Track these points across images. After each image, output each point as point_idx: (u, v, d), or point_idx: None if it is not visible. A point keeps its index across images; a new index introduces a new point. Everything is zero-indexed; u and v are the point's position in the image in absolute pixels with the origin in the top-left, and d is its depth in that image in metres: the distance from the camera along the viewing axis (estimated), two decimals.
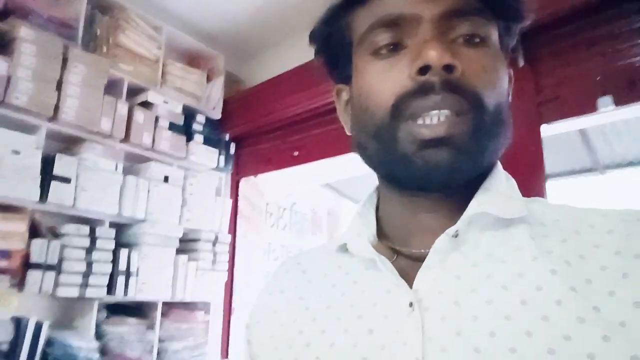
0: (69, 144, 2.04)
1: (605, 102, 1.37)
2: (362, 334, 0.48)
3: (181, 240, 2.28)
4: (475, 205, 0.48)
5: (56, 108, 1.91)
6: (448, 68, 0.45)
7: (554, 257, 0.44)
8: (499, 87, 0.48)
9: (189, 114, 2.44)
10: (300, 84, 2.34)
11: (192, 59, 2.64)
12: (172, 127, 2.32)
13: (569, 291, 0.41)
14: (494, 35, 0.50)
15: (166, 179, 2.26)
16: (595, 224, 0.46)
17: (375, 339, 0.47)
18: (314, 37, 0.59)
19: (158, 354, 2.18)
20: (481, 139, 0.46)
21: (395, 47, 0.49)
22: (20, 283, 1.77)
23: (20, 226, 1.80)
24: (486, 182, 0.50)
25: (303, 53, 2.51)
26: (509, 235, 0.47)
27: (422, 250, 0.49)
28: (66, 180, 1.90)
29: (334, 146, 2.33)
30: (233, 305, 2.65)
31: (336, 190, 3.52)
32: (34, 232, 1.85)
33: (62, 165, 1.90)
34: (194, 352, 2.33)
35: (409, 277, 0.48)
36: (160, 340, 2.21)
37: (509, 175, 0.54)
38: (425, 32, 0.47)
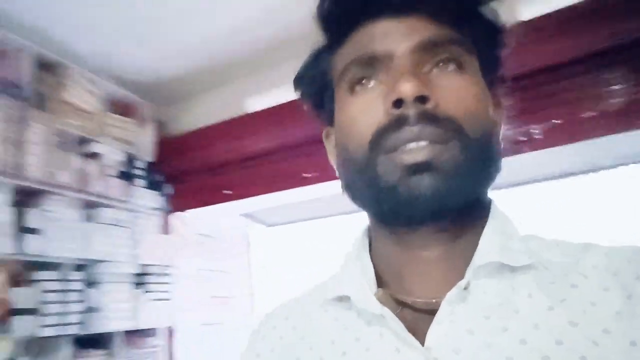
0: (32, 197, 2.22)
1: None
2: None
3: (136, 275, 2.54)
4: (484, 253, 0.46)
5: (19, 166, 2.10)
6: (421, 99, 0.45)
7: (567, 305, 0.42)
8: (480, 116, 0.47)
9: (130, 160, 2.70)
10: (229, 133, 2.76)
11: (124, 108, 2.89)
12: (120, 175, 2.58)
13: (592, 346, 0.39)
14: (472, 61, 0.50)
15: (117, 222, 2.50)
16: (598, 265, 0.44)
17: None
18: (298, 82, 0.59)
19: None
20: (467, 165, 0.45)
21: (371, 83, 0.50)
22: (6, 328, 1.94)
23: (1, 277, 1.97)
24: (489, 224, 0.49)
25: (224, 101, 2.94)
26: (517, 282, 0.45)
27: (431, 301, 0.47)
28: (34, 231, 2.10)
29: (261, 185, 2.77)
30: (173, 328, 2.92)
31: (249, 216, 3.91)
32: (13, 280, 2.02)
33: (32, 218, 2.09)
34: None
35: (416, 332, 0.46)
36: None
37: (504, 212, 0.52)
38: (398, 67, 0.48)
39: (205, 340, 3.12)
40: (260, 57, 2.69)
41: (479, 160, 0.47)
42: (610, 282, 0.42)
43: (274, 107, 2.67)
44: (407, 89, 0.44)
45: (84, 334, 2.27)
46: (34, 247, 2.07)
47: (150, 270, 2.63)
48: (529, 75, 1.92)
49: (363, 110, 0.49)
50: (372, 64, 0.50)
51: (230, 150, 2.83)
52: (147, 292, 2.59)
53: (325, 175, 2.50)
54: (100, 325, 2.30)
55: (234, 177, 2.91)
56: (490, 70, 0.54)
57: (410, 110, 0.45)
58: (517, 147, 2.04)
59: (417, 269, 0.50)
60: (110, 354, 2.40)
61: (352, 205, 0.54)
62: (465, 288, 0.46)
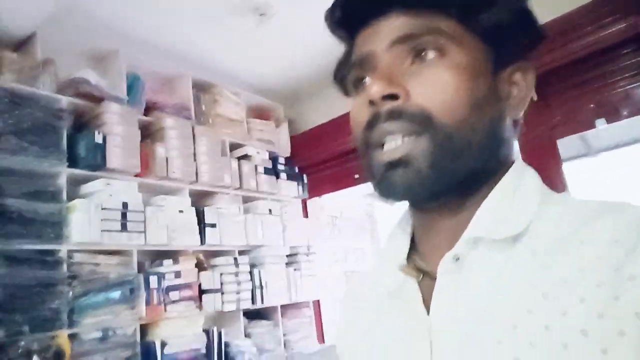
0: (205, 197, 2.71)
1: (601, 122, 2.11)
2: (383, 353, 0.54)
3: (287, 256, 2.97)
4: (471, 227, 0.48)
5: (196, 174, 2.58)
6: (390, 97, 0.48)
7: (548, 274, 0.43)
8: (458, 101, 0.47)
9: (273, 158, 3.12)
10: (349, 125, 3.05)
11: (261, 112, 3.31)
12: (266, 171, 3.00)
13: (560, 315, 0.40)
14: (458, 46, 0.49)
15: (270, 211, 2.94)
16: (602, 232, 0.43)
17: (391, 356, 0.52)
18: (335, 79, 0.64)
19: (284, 344, 2.87)
20: (441, 156, 0.47)
21: (366, 82, 0.54)
22: (199, 305, 2.44)
23: (190, 265, 2.47)
24: (492, 194, 0.50)
25: (341, 98, 3.23)
26: (506, 253, 0.47)
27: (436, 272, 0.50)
28: (213, 225, 2.58)
29: None
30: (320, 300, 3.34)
31: (372, 194, 4.24)
32: (199, 266, 2.52)
33: (209, 215, 2.57)
34: (306, 341, 3.03)
35: (430, 297, 0.49)
36: (284, 334, 2.90)
37: (523, 175, 0.52)
38: (378, 66, 0.51)
39: None
40: None
41: (457, 149, 0.47)
42: (605, 250, 0.41)
43: None
44: (374, 90, 0.48)
45: (253, 308, 2.74)
46: (212, 238, 2.55)
47: (298, 251, 3.05)
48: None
49: (357, 109, 0.53)
50: (362, 65, 0.53)
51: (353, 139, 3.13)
52: (296, 270, 3.01)
53: None
54: (265, 300, 2.76)
55: (359, 163, 3.23)
56: (499, 45, 0.51)
57: (381, 109, 0.48)
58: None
59: (430, 240, 0.54)
60: (274, 324, 2.86)
61: None
62: (458, 259, 0.48)
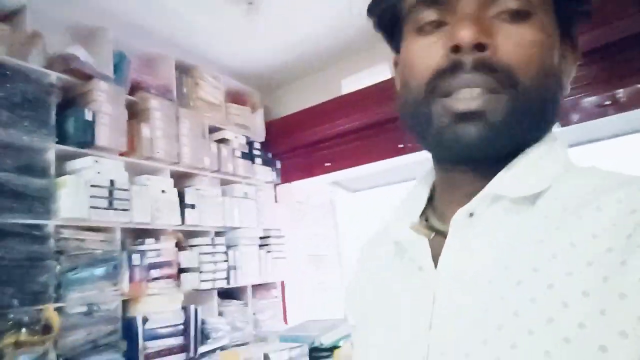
0: (185, 178, 2.76)
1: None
2: (391, 312, 0.54)
3: (260, 238, 3.08)
4: (491, 184, 0.47)
5: (178, 155, 2.63)
6: (479, 47, 0.45)
7: (559, 237, 0.42)
8: (539, 65, 0.47)
9: (249, 143, 3.20)
10: (326, 114, 3.19)
11: (238, 97, 3.37)
12: (243, 155, 3.08)
13: (565, 276, 0.40)
14: (543, 9, 0.48)
15: (246, 194, 3.03)
16: (621, 200, 0.42)
17: (398, 313, 0.52)
18: (371, 10, 0.59)
19: (254, 323, 2.99)
20: (516, 117, 0.46)
21: (438, 24, 0.49)
22: (178, 283, 2.52)
23: (171, 244, 2.53)
24: (514, 160, 0.49)
25: (321, 85, 3.36)
26: (527, 216, 0.46)
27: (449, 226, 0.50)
28: (193, 206, 2.64)
29: (358, 157, 3.20)
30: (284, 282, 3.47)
31: (337, 184, 4.39)
32: (178, 246, 2.59)
33: (189, 196, 2.63)
34: (274, 320, 3.16)
35: (439, 255, 0.50)
36: (253, 314, 3.01)
37: (553, 144, 0.51)
38: (463, 10, 0.47)
39: (305, 293, 3.65)
40: (354, 42, 3.06)
41: (530, 113, 0.47)
42: (620, 218, 0.40)
43: (367, 88, 3.05)
44: (465, 35, 0.45)
45: (226, 287, 2.84)
46: (192, 219, 2.62)
47: (270, 234, 3.16)
48: (615, 44, 2.21)
49: (424, 51, 0.49)
50: (439, 3, 0.49)
51: (327, 128, 3.26)
52: (268, 252, 3.13)
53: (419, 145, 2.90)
54: (238, 280, 2.86)
55: (331, 152, 3.36)
56: (570, 14, 0.51)
57: (467, 57, 0.45)
58: (603, 109, 2.37)
59: (454, 198, 0.52)
60: (245, 304, 2.97)
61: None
62: (472, 215, 0.48)
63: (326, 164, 3.37)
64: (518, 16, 0.47)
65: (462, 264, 0.47)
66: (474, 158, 0.49)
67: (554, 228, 0.44)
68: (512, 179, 0.47)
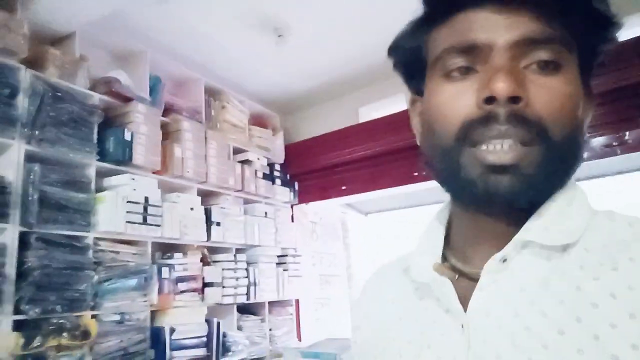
0: (211, 197, 2.90)
1: None
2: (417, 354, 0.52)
3: (277, 256, 3.20)
4: (522, 232, 0.48)
5: (206, 174, 2.77)
6: (514, 99, 0.45)
7: (595, 287, 0.43)
8: (569, 117, 0.47)
9: (270, 164, 3.34)
10: (343, 140, 3.34)
11: (260, 120, 3.52)
12: (264, 176, 3.22)
13: (609, 328, 0.41)
14: (571, 61, 0.49)
15: (265, 214, 3.16)
16: None
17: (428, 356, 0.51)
18: (392, 51, 0.59)
19: (270, 338, 3.09)
20: (547, 169, 0.46)
21: (467, 71, 0.49)
22: (202, 297, 2.63)
23: (197, 259, 2.66)
24: (543, 206, 0.49)
25: (339, 111, 3.51)
26: (555, 260, 0.47)
27: (479, 270, 0.50)
28: (218, 224, 2.77)
29: (372, 182, 3.33)
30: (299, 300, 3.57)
31: (350, 205, 4.52)
32: (203, 261, 2.71)
33: (215, 214, 2.76)
34: (289, 336, 3.26)
35: (467, 299, 0.49)
36: (270, 329, 3.11)
37: (577, 191, 0.52)
38: (496, 61, 0.47)
39: (318, 310, 3.75)
40: (372, 73, 3.22)
41: (559, 164, 0.47)
42: None
43: (384, 117, 3.21)
44: (501, 88, 0.44)
45: (246, 303, 2.95)
46: (216, 235, 2.75)
47: (287, 252, 3.28)
48: (625, 89, 2.37)
49: (455, 99, 0.49)
50: (470, 52, 0.49)
51: (344, 154, 3.41)
52: (285, 270, 3.24)
53: None
54: (257, 296, 2.97)
55: (347, 176, 3.50)
56: (590, 64, 0.52)
57: (501, 109, 0.45)
58: (611, 150, 2.51)
59: (480, 243, 0.52)
60: (262, 319, 3.08)
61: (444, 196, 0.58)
62: (505, 261, 0.48)
63: (342, 187, 3.50)
64: (549, 68, 0.47)
65: (496, 309, 0.47)
66: (505, 208, 0.49)
67: (589, 277, 0.44)
68: (544, 227, 0.48)
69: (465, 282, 0.51)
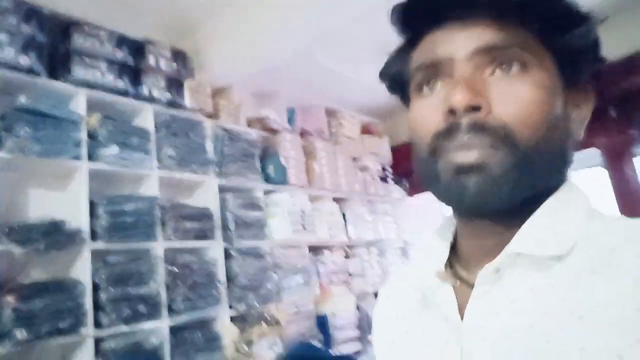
0: (343, 202, 3.40)
1: None
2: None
3: (399, 248, 3.68)
4: (515, 242, 0.48)
5: (338, 184, 3.27)
6: (473, 108, 0.46)
7: (585, 296, 0.43)
8: (539, 119, 0.47)
9: (382, 167, 3.81)
10: None
11: (367, 128, 3.99)
12: (380, 178, 3.70)
13: (595, 337, 0.40)
14: (539, 62, 0.49)
15: (386, 211, 3.64)
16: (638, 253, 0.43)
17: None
18: (382, 77, 0.62)
19: None
20: (518, 172, 0.46)
21: (436, 87, 0.51)
22: (351, 287, 3.14)
23: (341, 254, 3.17)
24: (540, 209, 0.49)
25: None
26: (550, 273, 0.46)
27: (474, 281, 0.50)
28: (354, 225, 3.27)
29: None
30: None
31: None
32: (346, 256, 3.21)
33: (349, 216, 3.26)
34: None
35: (465, 304, 0.50)
36: None
37: (573, 193, 0.51)
38: (458, 73, 0.49)
39: None
40: None
41: (534, 167, 0.47)
42: None
43: None
44: (458, 100, 0.46)
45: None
46: (353, 234, 3.25)
47: (407, 243, 3.75)
48: None
49: (425, 114, 0.51)
50: (435, 68, 0.50)
51: None
52: (405, 259, 3.71)
53: None
54: None
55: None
56: (572, 66, 0.51)
57: (462, 120, 0.46)
58: None
59: (475, 249, 0.53)
60: None
61: None
62: (498, 271, 0.48)
63: None
64: (512, 73, 0.48)
65: (489, 319, 0.47)
66: (482, 211, 0.49)
67: (579, 288, 0.44)
68: (536, 237, 0.47)
69: (466, 289, 0.52)
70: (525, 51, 0.48)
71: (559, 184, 0.51)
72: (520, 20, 0.48)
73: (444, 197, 0.51)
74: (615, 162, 3.03)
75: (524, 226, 0.48)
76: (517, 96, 0.47)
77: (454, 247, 0.57)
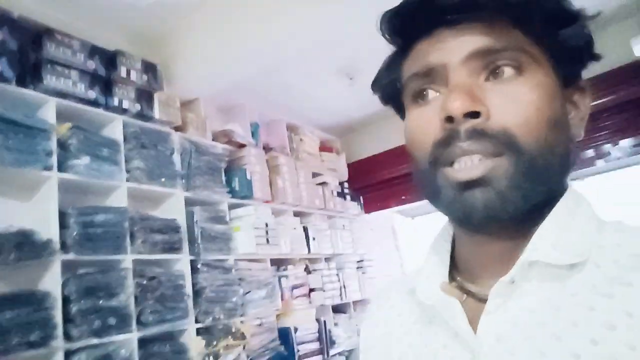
0: (305, 216, 3.47)
1: None
2: None
3: (357, 262, 3.77)
4: (529, 251, 0.46)
5: (300, 199, 3.34)
6: (472, 114, 0.45)
7: (611, 306, 0.41)
8: (539, 121, 0.45)
9: (340, 183, 3.92)
10: (398, 157, 3.90)
11: (325, 145, 4.09)
12: (338, 194, 3.80)
13: (628, 350, 0.39)
14: (536, 64, 0.47)
15: (343, 226, 3.73)
16: None
17: None
18: (374, 87, 0.60)
19: (358, 332, 3.65)
20: (523, 179, 0.44)
21: (430, 95, 0.50)
22: (310, 300, 3.20)
23: (302, 268, 3.23)
24: (550, 217, 0.47)
25: (389, 131, 4.07)
26: (564, 280, 0.45)
27: (487, 292, 0.48)
28: (314, 238, 3.34)
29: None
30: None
31: (400, 211, 5.07)
32: (306, 270, 3.27)
33: (311, 230, 3.34)
34: None
35: (476, 319, 0.48)
36: (356, 325, 3.67)
37: (579, 200, 0.50)
38: (453, 79, 0.47)
39: None
40: None
41: (534, 172, 0.45)
42: None
43: None
44: (456, 106, 0.44)
45: (339, 303, 3.51)
46: (313, 248, 3.32)
47: (364, 257, 3.85)
48: None
49: (422, 123, 0.50)
50: (429, 75, 0.49)
51: (400, 169, 3.96)
52: (363, 273, 3.81)
53: None
54: (347, 297, 3.54)
55: (403, 188, 4.06)
56: (568, 65, 0.50)
57: (461, 126, 0.45)
58: None
59: (482, 261, 0.51)
60: (350, 316, 3.64)
61: None
62: (513, 282, 0.46)
63: (402, 197, 4.07)
64: (509, 75, 0.47)
65: (507, 332, 0.45)
66: (491, 227, 0.48)
67: (603, 296, 0.42)
68: (551, 244, 0.46)
69: (474, 303, 0.50)
70: (520, 53, 0.47)
71: (563, 188, 0.50)
72: (513, 21, 0.47)
73: (448, 212, 0.50)
74: None
75: (536, 234, 0.47)
76: (516, 99, 0.46)
77: (452, 258, 0.56)
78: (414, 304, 0.56)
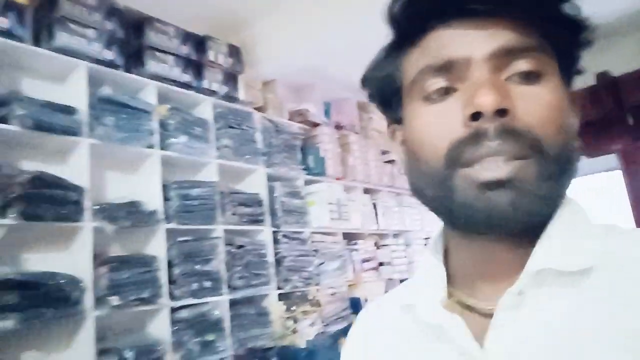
0: (374, 193, 3.59)
1: None
2: None
3: (424, 239, 3.87)
4: (536, 259, 0.44)
5: (369, 176, 3.46)
6: (501, 112, 0.42)
7: (632, 311, 0.40)
8: (559, 125, 0.44)
9: None
10: None
11: None
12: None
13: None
14: (552, 69, 0.46)
15: (411, 204, 3.83)
16: None
17: None
18: (366, 82, 0.56)
19: None
20: (545, 181, 0.43)
21: (447, 91, 0.45)
22: (379, 274, 3.34)
23: (372, 243, 3.36)
24: (553, 223, 0.45)
25: None
26: (582, 289, 0.43)
27: (493, 306, 0.45)
28: (383, 214, 3.46)
29: None
30: None
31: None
32: (376, 245, 3.41)
33: (379, 207, 3.45)
34: None
35: (481, 336, 0.45)
36: None
37: (577, 207, 0.48)
38: (477, 75, 0.44)
39: None
40: None
41: (557, 175, 0.43)
42: None
43: None
44: (487, 101, 0.41)
45: (405, 278, 3.63)
46: (383, 224, 3.44)
47: (430, 235, 3.94)
48: None
49: (439, 121, 0.45)
50: (447, 70, 0.45)
51: None
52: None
53: None
54: (413, 272, 3.65)
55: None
56: (570, 70, 0.49)
57: (489, 124, 0.41)
58: None
59: (487, 273, 0.48)
60: None
61: None
62: (520, 293, 0.44)
63: None
64: (531, 77, 0.44)
65: (520, 346, 0.43)
66: (509, 228, 0.44)
67: (624, 300, 0.41)
68: (560, 250, 0.44)
69: (476, 318, 0.47)
70: (542, 54, 0.45)
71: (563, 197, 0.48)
72: (535, 22, 0.45)
73: (462, 215, 0.45)
74: (631, 166, 3.23)
75: (542, 241, 0.45)
76: (539, 101, 0.43)
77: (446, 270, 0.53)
78: (410, 323, 0.52)
